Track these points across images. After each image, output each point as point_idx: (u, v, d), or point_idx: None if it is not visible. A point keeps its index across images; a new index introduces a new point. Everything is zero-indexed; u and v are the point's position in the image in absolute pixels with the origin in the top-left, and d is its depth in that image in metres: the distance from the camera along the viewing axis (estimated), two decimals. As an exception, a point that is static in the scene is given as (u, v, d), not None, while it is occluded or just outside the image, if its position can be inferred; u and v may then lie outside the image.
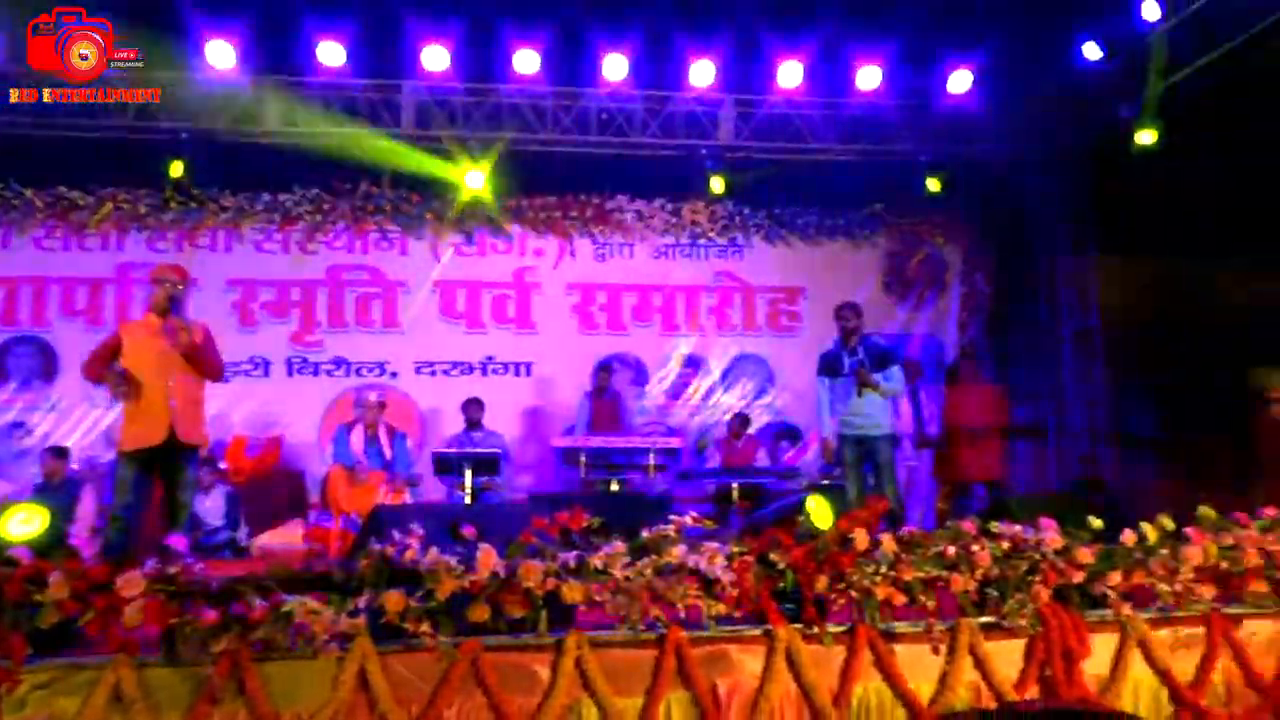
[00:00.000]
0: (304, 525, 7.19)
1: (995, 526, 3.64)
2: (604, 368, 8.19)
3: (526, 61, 8.16)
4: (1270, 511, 4.01)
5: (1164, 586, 3.64)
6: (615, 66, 8.28)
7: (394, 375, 8.83)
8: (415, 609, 3.06)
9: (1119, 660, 3.53)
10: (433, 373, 8.91)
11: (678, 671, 3.18)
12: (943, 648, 3.41)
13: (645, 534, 3.37)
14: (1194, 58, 7.69)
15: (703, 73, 8.38)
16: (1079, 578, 3.57)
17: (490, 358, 9.03)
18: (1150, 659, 3.56)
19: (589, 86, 8.53)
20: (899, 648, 3.39)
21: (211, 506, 7.18)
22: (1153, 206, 9.45)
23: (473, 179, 8.60)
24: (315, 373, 8.75)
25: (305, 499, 7.91)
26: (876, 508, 3.88)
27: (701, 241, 9.41)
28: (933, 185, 9.19)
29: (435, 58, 8.02)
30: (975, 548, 3.54)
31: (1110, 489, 8.23)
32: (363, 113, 8.32)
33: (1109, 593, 3.58)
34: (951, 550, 3.53)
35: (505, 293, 9.17)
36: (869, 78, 8.48)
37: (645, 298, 9.35)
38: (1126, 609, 3.57)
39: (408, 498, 7.00)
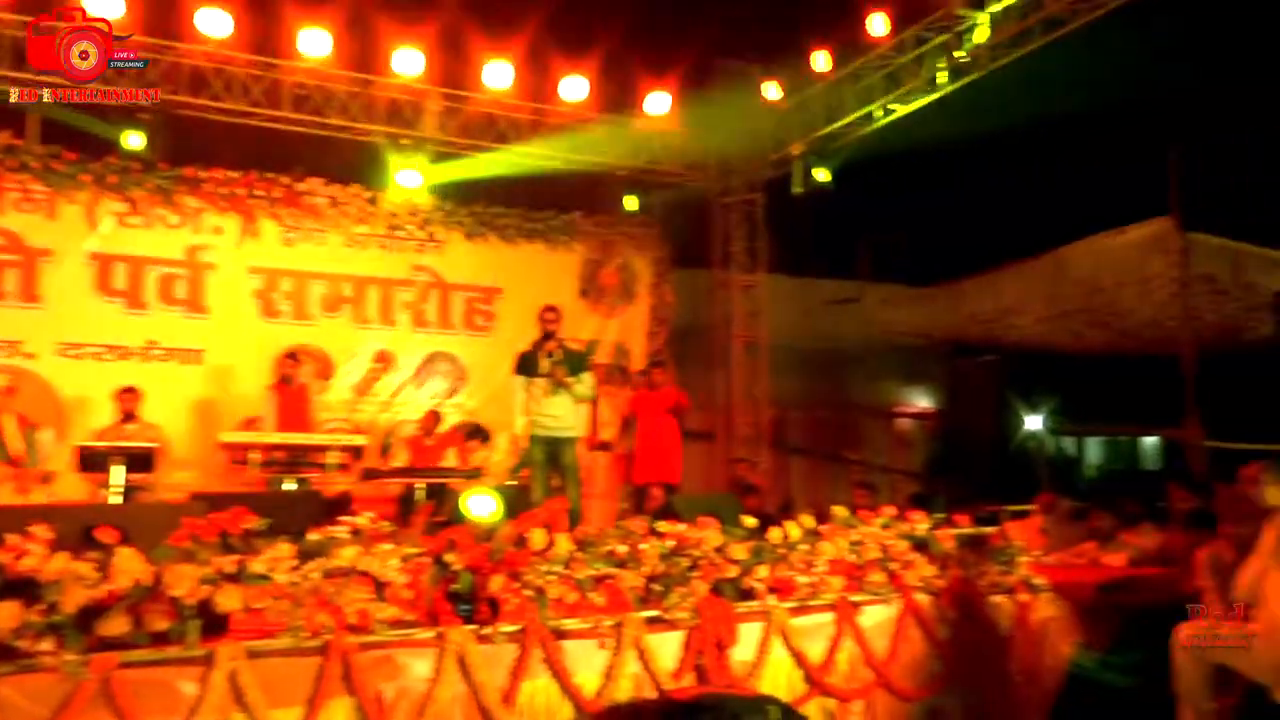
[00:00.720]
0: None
1: (662, 525, 3.88)
2: (289, 358, 7.70)
3: (214, 22, 7.52)
4: (889, 510, 4.62)
5: (802, 578, 4.06)
6: (316, 42, 7.85)
7: (29, 356, 7.72)
8: (35, 624, 2.69)
9: (762, 647, 3.87)
10: (80, 356, 7.91)
11: (342, 679, 3.05)
12: (610, 642, 3.56)
13: (313, 535, 3.22)
14: (859, 105, 8.75)
15: (409, 61, 8.18)
16: (733, 572, 3.90)
17: (153, 342, 8.18)
18: (788, 644, 3.95)
19: (285, 59, 8.04)
20: (569, 644, 3.48)
21: None
22: (818, 234, 10.66)
23: (133, 140, 7.79)
24: (-75, 349, 7.47)
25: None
26: (558, 508, 4.01)
27: (399, 234, 9.14)
28: (629, 202, 9.77)
29: (104, 3, 7.14)
30: (643, 545, 3.75)
31: (763, 490, 9.07)
32: (7, 53, 7.23)
33: (757, 585, 3.93)
34: (622, 548, 3.71)
35: (175, 271, 8.34)
36: (573, 88, 8.73)
37: (335, 287, 8.92)
38: (771, 599, 3.95)
39: (40, 497, 6.16)
